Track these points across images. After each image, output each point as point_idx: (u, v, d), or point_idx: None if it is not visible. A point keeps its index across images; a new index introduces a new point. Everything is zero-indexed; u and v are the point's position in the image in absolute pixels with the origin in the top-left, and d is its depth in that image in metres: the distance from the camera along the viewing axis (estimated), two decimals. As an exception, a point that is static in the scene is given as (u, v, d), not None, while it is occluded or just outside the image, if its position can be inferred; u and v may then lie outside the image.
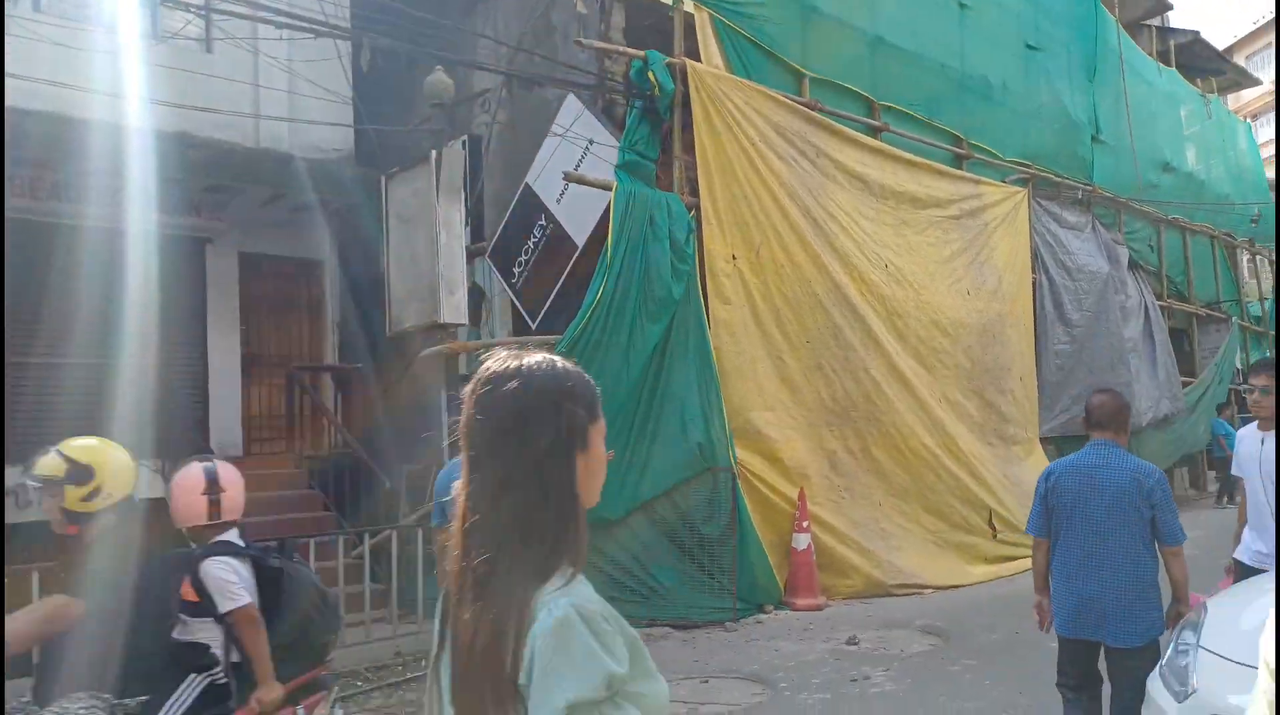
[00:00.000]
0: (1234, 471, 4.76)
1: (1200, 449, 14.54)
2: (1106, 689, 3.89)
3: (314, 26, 7.45)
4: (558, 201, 9.17)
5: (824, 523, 8.23)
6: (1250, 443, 4.51)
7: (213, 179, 9.20)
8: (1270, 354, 15.67)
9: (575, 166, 8.61)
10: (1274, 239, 19.87)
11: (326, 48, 8.40)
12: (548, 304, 9.21)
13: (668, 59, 8.33)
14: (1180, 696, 2.93)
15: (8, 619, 2.73)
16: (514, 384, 1.29)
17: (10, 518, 7.22)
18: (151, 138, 7.75)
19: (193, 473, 3.24)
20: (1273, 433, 4.37)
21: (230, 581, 3.04)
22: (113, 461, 2.92)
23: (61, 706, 2.59)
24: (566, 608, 1.18)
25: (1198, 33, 19.18)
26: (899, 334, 9.65)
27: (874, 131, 10.25)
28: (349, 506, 9.38)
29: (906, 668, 6.04)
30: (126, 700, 2.71)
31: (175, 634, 3.03)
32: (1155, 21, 18.72)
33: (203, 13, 8.21)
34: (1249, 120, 24.26)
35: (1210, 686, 2.85)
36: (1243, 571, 4.46)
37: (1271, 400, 4.36)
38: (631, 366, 7.87)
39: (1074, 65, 13.58)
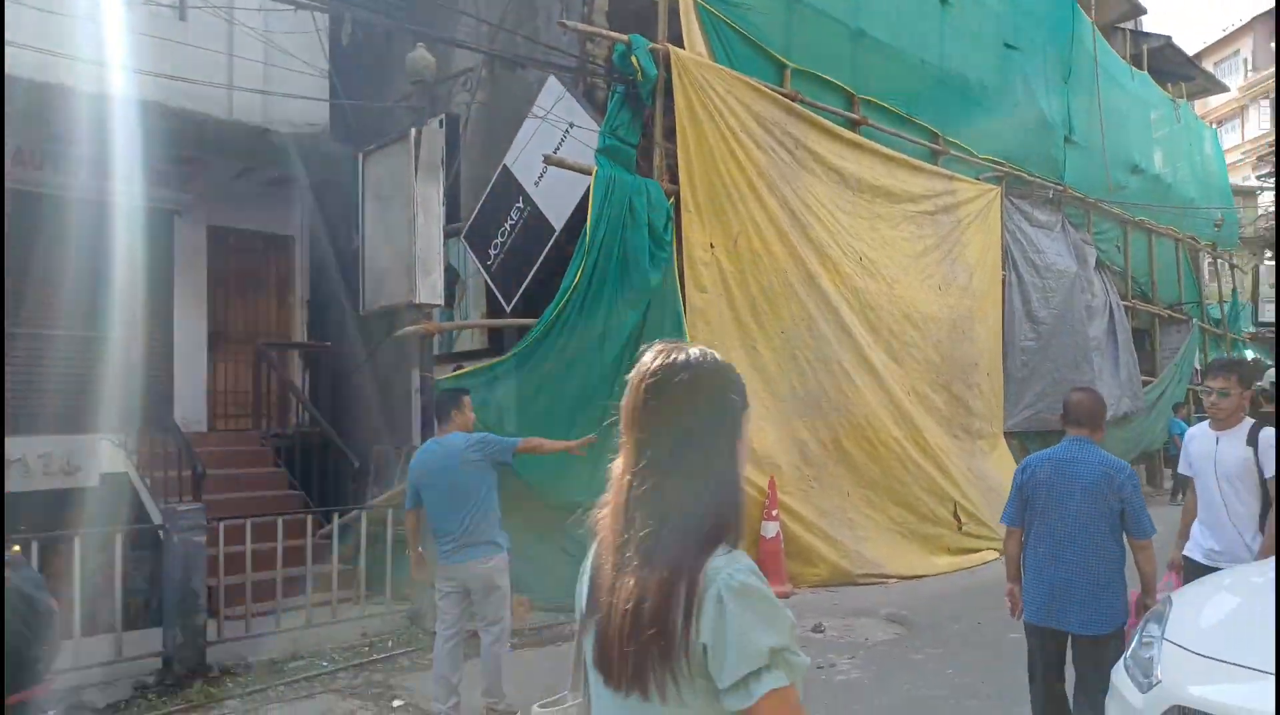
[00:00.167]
0: (1183, 471, 4.83)
1: (1158, 447, 14.85)
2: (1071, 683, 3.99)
3: (293, -2, 7.31)
4: (536, 184, 9.11)
5: (792, 511, 8.30)
6: (1203, 442, 4.59)
7: (183, 150, 9.04)
8: (1226, 356, 16.00)
9: (555, 150, 8.55)
10: (1254, 241, 20.28)
11: (304, 19, 8.28)
12: (523, 287, 9.16)
13: (651, 44, 8.29)
14: (1144, 687, 3.00)
15: None
16: (684, 376, 1.43)
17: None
18: (121, 105, 7.59)
19: None
20: (1229, 433, 4.47)
21: None
22: None
23: None
24: (746, 574, 1.32)
25: (1170, 38, 19.49)
26: (871, 327, 9.74)
27: (853, 125, 10.29)
28: (315, 486, 9.29)
29: (871, 656, 6.12)
30: None
31: None
32: (1129, 25, 18.98)
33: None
34: (1214, 126, 24.70)
35: (1174, 678, 2.92)
36: (1193, 569, 4.55)
37: (1229, 402, 4.46)
38: (606, 352, 7.85)
39: (1050, 66, 13.73)
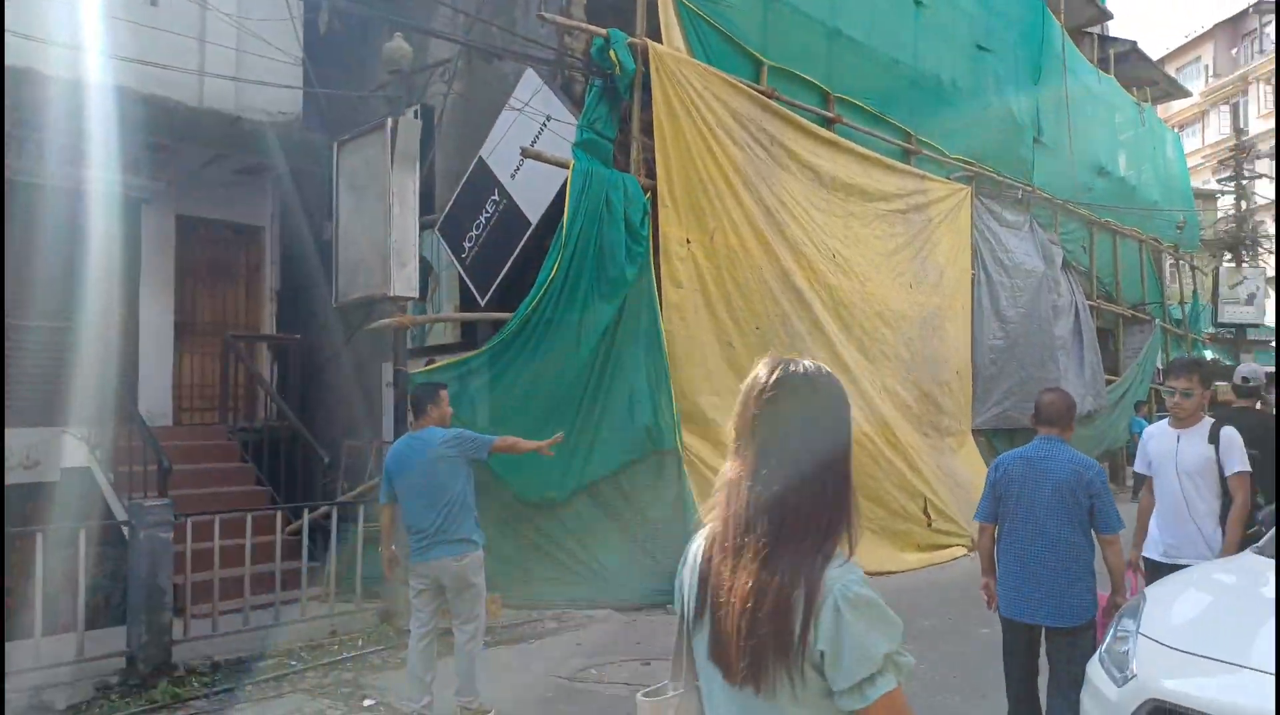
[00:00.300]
0: (1140, 469, 4.84)
1: (1121, 445, 15.10)
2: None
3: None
4: (512, 177, 9.05)
5: (766, 508, 8.32)
6: (1163, 440, 4.64)
7: (153, 137, 8.84)
8: (1186, 355, 16.31)
9: (532, 142, 8.50)
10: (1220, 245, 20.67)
11: (279, 6, 8.12)
12: (498, 280, 9.10)
13: (630, 38, 8.26)
14: (1120, 681, 3.04)
15: None
16: (802, 388, 1.51)
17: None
18: (91, 91, 7.41)
19: None
20: (1190, 431, 4.53)
21: None
22: None
23: None
24: (860, 585, 1.41)
25: (1135, 43, 19.84)
26: (843, 323, 9.80)
27: (827, 123, 10.34)
28: (284, 481, 9.16)
29: (846, 652, 6.14)
30: None
31: None
32: (1096, 30, 19.26)
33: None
34: (1176, 130, 25.15)
35: (1149, 672, 2.97)
36: (1152, 568, 4.61)
37: (1192, 402, 4.52)
38: (582, 347, 7.83)
39: (1020, 68, 13.89)
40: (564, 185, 7.94)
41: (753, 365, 1.60)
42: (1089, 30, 18.74)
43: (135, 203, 9.32)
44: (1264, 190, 27.67)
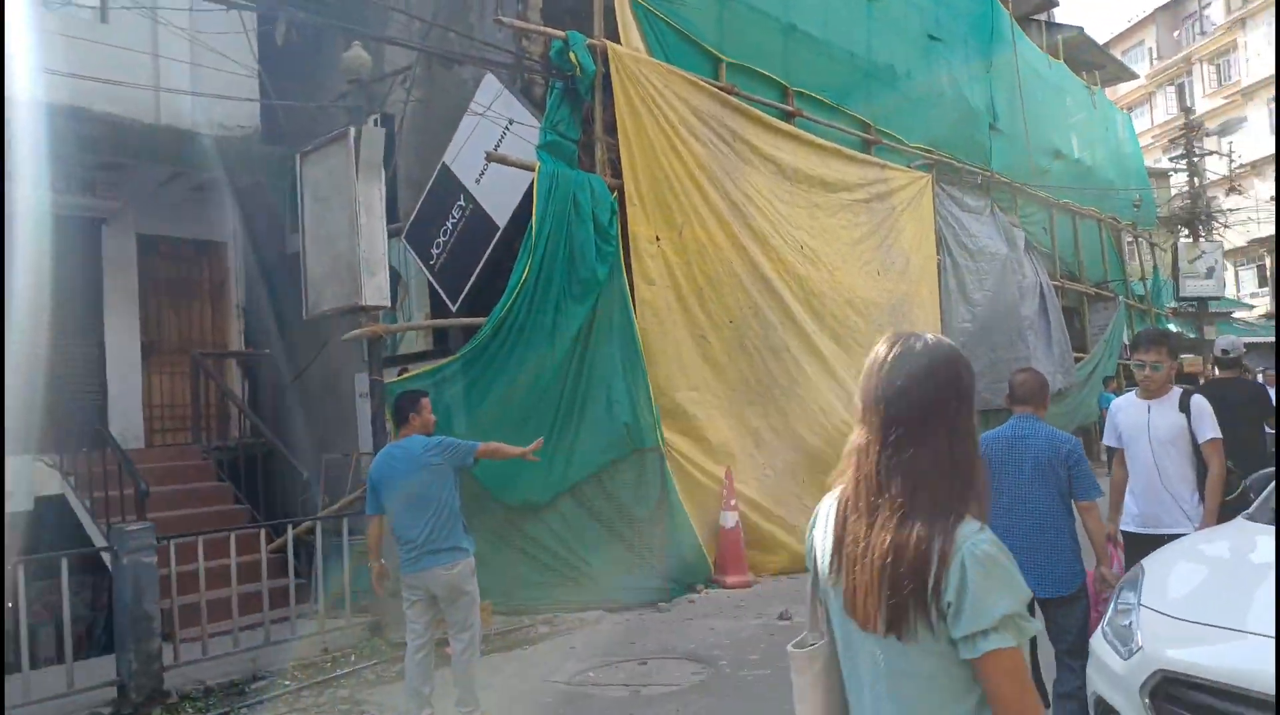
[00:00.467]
0: (1111, 442, 4.86)
1: (1092, 421, 15.35)
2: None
3: (220, -3, 7.09)
4: (477, 182, 9.01)
5: (750, 500, 8.37)
6: (1134, 412, 4.68)
7: (109, 156, 8.70)
8: (1153, 328, 16.60)
9: (495, 147, 8.46)
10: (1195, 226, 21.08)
11: (232, 19, 8.03)
12: (468, 286, 9.05)
13: (588, 40, 8.26)
14: (1126, 655, 3.06)
15: None
16: (924, 359, 1.60)
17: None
18: (41, 111, 7.27)
19: None
20: (1160, 402, 4.58)
21: None
22: None
23: None
24: (990, 545, 1.50)
25: (1082, 28, 20.20)
26: (815, 313, 9.87)
27: (787, 116, 10.41)
28: (262, 499, 9.05)
29: (837, 638, 6.19)
30: None
31: None
32: (1043, 17, 19.58)
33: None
34: (1126, 112, 25.61)
35: (1154, 643, 2.98)
36: (1130, 540, 4.65)
37: (1162, 374, 4.59)
38: (557, 349, 7.81)
39: (972, 56, 14.08)
40: (530, 188, 7.92)
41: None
42: (1036, 18, 19.05)
43: (94, 223, 9.18)
44: (1214, 166, 28.29)
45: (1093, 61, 20.98)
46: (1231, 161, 28.19)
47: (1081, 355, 15.59)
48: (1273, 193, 28.65)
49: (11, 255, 7.82)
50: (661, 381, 8.10)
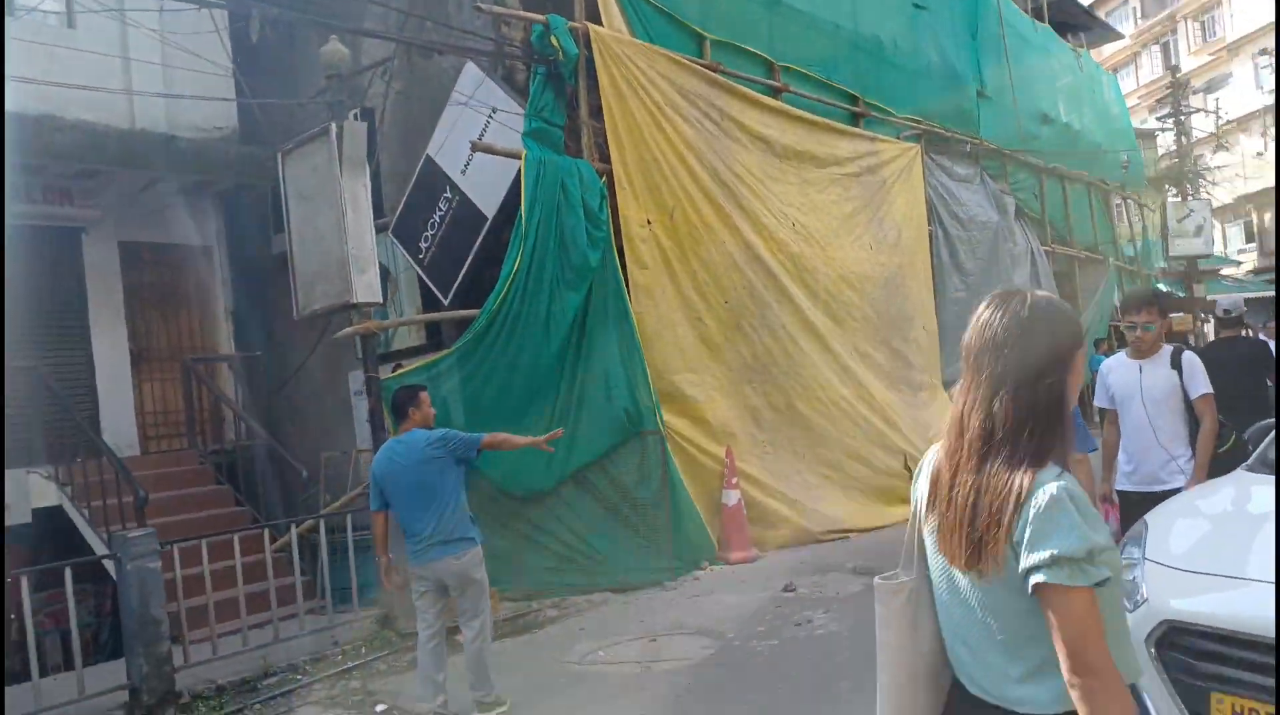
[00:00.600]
0: (1103, 403, 4.85)
1: (1085, 383, 15.35)
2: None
3: (192, -4, 6.98)
4: (463, 173, 8.93)
5: (751, 478, 8.36)
6: (1126, 372, 4.67)
7: (84, 163, 8.59)
8: (1141, 288, 16.62)
9: (479, 136, 8.38)
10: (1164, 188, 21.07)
11: (203, 18, 7.92)
12: (459, 279, 8.99)
13: (569, 23, 8.17)
14: (1131, 607, 3.08)
15: None
16: (1022, 312, 1.70)
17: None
18: (11, 121, 7.16)
19: None
20: (1152, 360, 4.59)
21: None
22: None
23: None
24: (1059, 489, 1.57)
25: (1065, -11, 20.04)
26: (810, 290, 9.83)
27: (774, 92, 10.32)
28: (262, 499, 9.02)
29: (845, 609, 6.21)
30: None
31: None
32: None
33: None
34: (1112, 72, 25.56)
35: (1158, 594, 3.01)
36: (1124, 499, 4.66)
37: (1153, 334, 4.60)
38: (552, 337, 7.78)
39: (957, 23, 13.98)
40: (518, 177, 7.86)
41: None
42: (1019, -20, 18.93)
43: (73, 233, 9.09)
44: (1201, 124, 28.26)
45: (1078, 23, 20.86)
46: (1218, 119, 28.18)
47: (1075, 319, 15.59)
48: (1259, 149, 28.67)
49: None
50: (659, 365, 8.07)
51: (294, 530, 6.66)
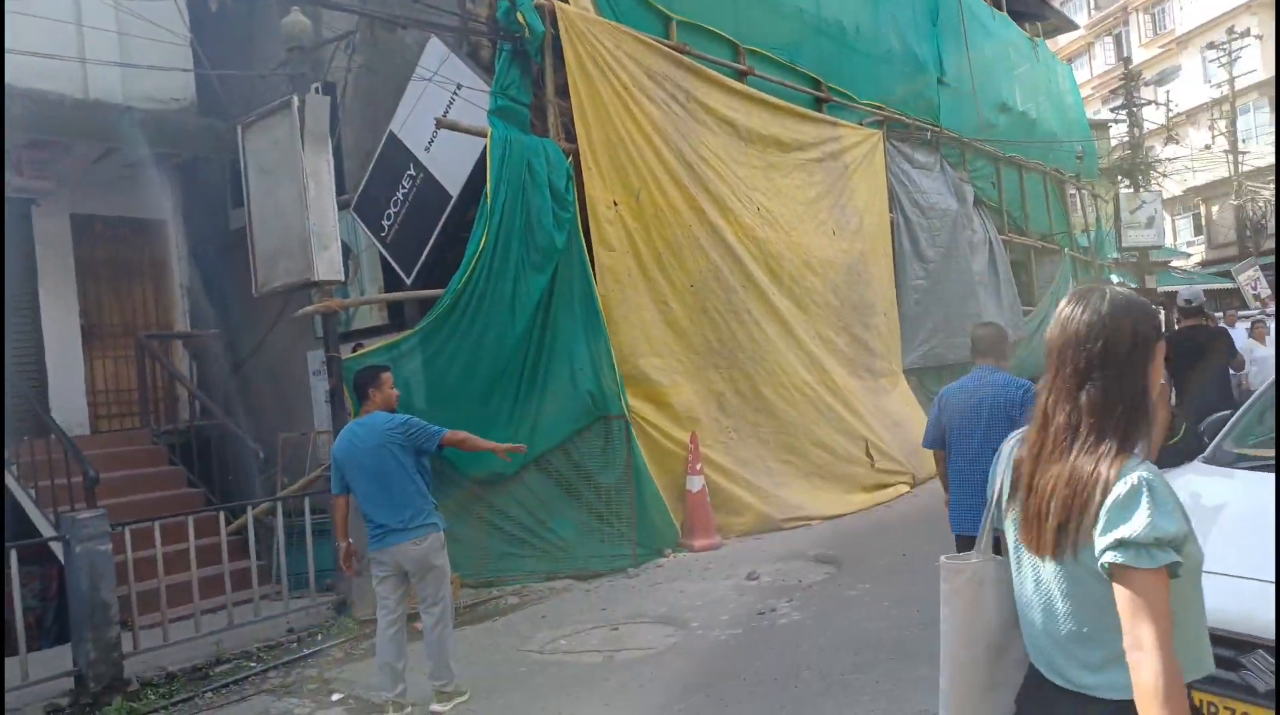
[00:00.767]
0: None
1: (1042, 372, 15.63)
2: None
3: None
4: (427, 149, 8.78)
5: (715, 464, 8.38)
6: None
7: (35, 133, 8.29)
8: (1091, 279, 16.92)
9: (444, 113, 8.24)
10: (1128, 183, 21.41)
11: (161, -15, 7.66)
12: (422, 258, 8.85)
13: (535, 0, 8.05)
14: None
15: None
16: (1104, 306, 1.75)
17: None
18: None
19: None
20: None
21: None
22: None
23: None
24: (1139, 479, 1.62)
25: (1023, -21, 20.21)
26: (774, 275, 9.86)
27: (740, 75, 10.29)
28: (217, 481, 8.84)
29: (809, 597, 6.27)
30: None
31: None
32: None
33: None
34: (1067, 63, 25.89)
35: None
36: None
37: None
38: (517, 319, 7.71)
39: (918, 10, 14.05)
40: (483, 155, 7.75)
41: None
42: (980, -31, 19.04)
43: (24, 204, 8.79)
44: (1151, 116, 28.80)
45: (1034, 12, 21.06)
46: (1169, 111, 28.73)
47: (1029, 308, 15.85)
48: (1207, 141, 29.32)
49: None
50: (624, 348, 8.04)
51: (250, 513, 6.52)
